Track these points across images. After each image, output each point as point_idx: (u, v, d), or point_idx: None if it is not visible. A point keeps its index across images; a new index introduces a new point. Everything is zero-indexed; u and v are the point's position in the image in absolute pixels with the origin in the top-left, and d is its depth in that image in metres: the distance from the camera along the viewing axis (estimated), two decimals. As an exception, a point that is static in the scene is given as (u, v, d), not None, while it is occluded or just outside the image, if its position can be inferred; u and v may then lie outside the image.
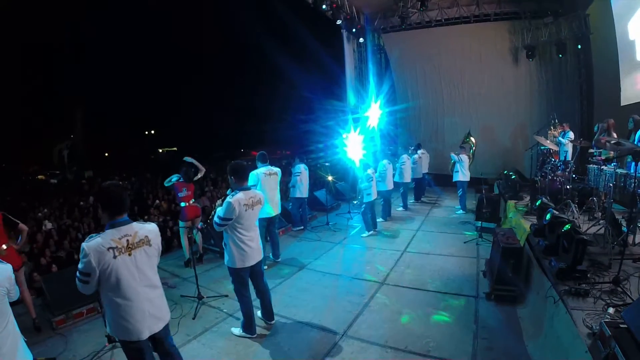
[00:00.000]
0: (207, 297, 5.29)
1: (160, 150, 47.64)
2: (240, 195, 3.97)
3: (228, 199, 3.95)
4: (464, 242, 7.12)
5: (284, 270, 6.29)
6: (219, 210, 4.04)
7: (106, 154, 42.17)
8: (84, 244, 2.60)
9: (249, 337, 4.26)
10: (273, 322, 4.54)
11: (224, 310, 4.99)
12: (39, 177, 32.13)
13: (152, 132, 49.59)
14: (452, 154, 9.85)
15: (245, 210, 3.97)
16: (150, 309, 2.80)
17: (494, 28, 12.52)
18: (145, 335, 2.79)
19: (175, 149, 46.25)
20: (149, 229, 2.88)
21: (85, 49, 39.60)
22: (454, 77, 13.56)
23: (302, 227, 8.79)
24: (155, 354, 3.05)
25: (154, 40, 42.50)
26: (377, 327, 4.31)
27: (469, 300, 4.87)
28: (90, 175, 28.30)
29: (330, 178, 10.15)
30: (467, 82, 13.32)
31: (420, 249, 6.98)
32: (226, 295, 5.31)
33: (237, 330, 4.36)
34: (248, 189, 4.15)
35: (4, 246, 4.55)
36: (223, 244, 4.19)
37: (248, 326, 4.27)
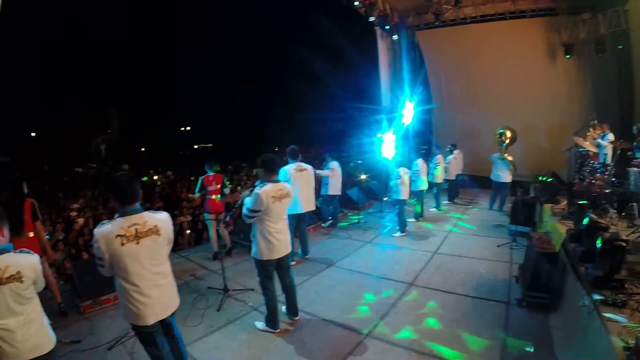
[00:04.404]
0: (233, 290, 5.34)
1: (196, 147, 48.38)
2: (268, 187, 3.98)
3: (256, 190, 3.96)
4: (497, 246, 6.90)
5: (312, 267, 6.28)
6: (247, 202, 4.05)
7: (142, 149, 43.14)
8: (94, 230, 2.76)
9: (271, 332, 4.29)
10: (297, 318, 4.54)
11: (249, 304, 5.04)
12: (77, 169, 33.20)
13: (188, 128, 50.54)
14: (492, 155, 9.66)
15: (273, 202, 3.98)
16: (157, 296, 2.90)
17: (530, 25, 12.08)
18: (152, 320, 2.89)
19: (210, 145, 46.96)
20: (159, 219, 2.96)
21: (121, 46, 40.72)
22: (490, 76, 13.18)
23: (332, 223, 8.74)
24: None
25: (187, 38, 43.36)
26: (402, 328, 4.24)
27: (499, 306, 4.71)
28: (126, 169, 29.14)
29: (363, 177, 10.06)
30: (503, 80, 12.90)
31: (452, 251, 6.82)
32: (252, 289, 5.35)
33: (261, 324, 4.39)
34: (277, 181, 4.14)
35: (31, 234, 4.69)
36: (251, 235, 4.20)
37: (271, 320, 4.29)
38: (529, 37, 12.09)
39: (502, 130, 9.90)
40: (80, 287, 5.14)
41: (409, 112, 12.55)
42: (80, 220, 11.36)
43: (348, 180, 10.01)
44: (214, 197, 6.78)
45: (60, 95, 36.08)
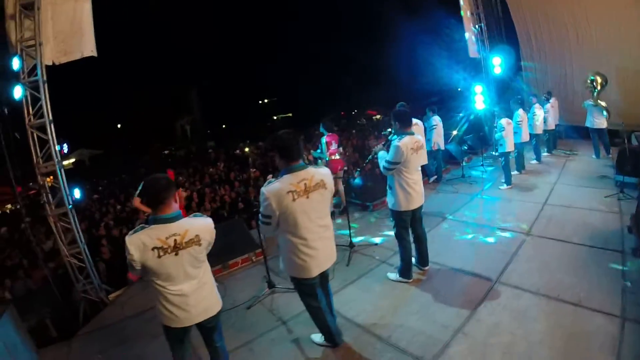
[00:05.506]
0: (357, 246, 5.64)
1: (275, 118, 48.94)
2: (406, 139, 4.07)
3: (395, 142, 4.07)
4: (605, 197, 6.69)
5: (427, 220, 6.26)
6: (384, 155, 4.22)
7: (224, 126, 44.58)
8: (263, 189, 2.88)
9: (405, 282, 4.51)
10: (427, 268, 4.73)
11: (377, 258, 5.31)
12: (165, 151, 35.24)
13: (265, 101, 51.38)
14: (585, 102, 9.36)
15: (412, 154, 4.09)
16: (322, 248, 3.03)
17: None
18: (316, 272, 3.04)
19: (290, 114, 47.36)
20: (324, 173, 3.04)
21: (196, 24, 41.60)
22: (580, 16, 12.05)
23: (437, 178, 8.84)
24: None
25: (264, 11, 43.23)
26: (528, 275, 4.37)
27: (615, 255, 4.68)
28: (213, 145, 30.70)
29: (454, 132, 9.98)
30: (594, 20, 11.75)
31: (561, 202, 6.72)
32: (376, 244, 5.66)
33: (394, 275, 4.63)
34: (412, 133, 4.23)
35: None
36: (388, 186, 4.36)
37: (405, 271, 4.50)
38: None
39: (592, 77, 9.51)
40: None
41: (497, 62, 12.14)
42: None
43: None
44: (334, 157, 7.01)
45: (143, 82, 37.85)
